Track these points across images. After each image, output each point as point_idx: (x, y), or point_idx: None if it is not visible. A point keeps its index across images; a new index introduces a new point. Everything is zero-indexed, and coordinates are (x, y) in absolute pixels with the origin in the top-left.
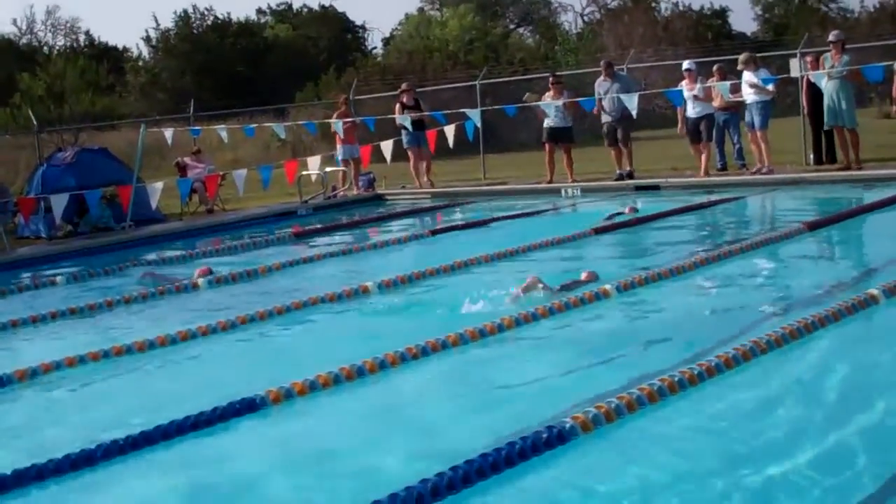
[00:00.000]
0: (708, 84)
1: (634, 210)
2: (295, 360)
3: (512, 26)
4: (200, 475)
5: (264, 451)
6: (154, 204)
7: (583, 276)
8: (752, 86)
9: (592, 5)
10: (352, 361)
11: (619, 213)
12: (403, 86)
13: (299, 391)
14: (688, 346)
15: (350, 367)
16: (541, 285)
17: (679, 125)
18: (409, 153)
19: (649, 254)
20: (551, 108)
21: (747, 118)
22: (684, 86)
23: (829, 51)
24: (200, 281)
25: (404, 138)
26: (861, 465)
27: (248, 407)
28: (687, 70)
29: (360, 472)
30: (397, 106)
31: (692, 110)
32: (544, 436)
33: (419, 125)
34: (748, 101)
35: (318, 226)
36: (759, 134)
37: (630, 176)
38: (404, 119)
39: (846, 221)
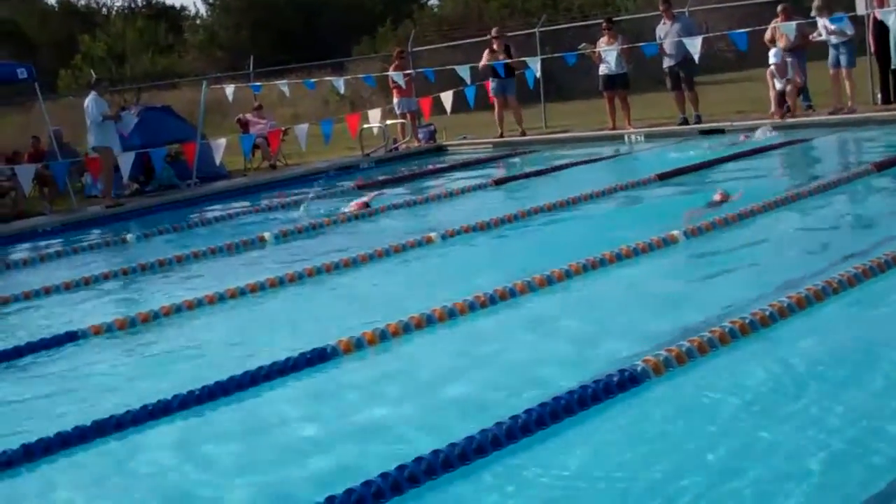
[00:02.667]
0: (772, 25)
1: (726, 197)
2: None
3: None
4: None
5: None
6: (218, 160)
7: (717, 197)
8: (832, 32)
9: None
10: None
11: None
12: (493, 32)
13: (369, 340)
14: (762, 286)
15: (420, 315)
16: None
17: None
18: (495, 101)
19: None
20: (609, 54)
21: (831, 58)
22: (775, 72)
23: None
24: (267, 235)
25: (492, 85)
26: None
27: (319, 357)
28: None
29: (452, 404)
30: (486, 52)
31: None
32: (616, 378)
33: (507, 73)
34: (833, 42)
35: (380, 178)
36: (844, 72)
37: (698, 120)
38: (498, 64)
39: None
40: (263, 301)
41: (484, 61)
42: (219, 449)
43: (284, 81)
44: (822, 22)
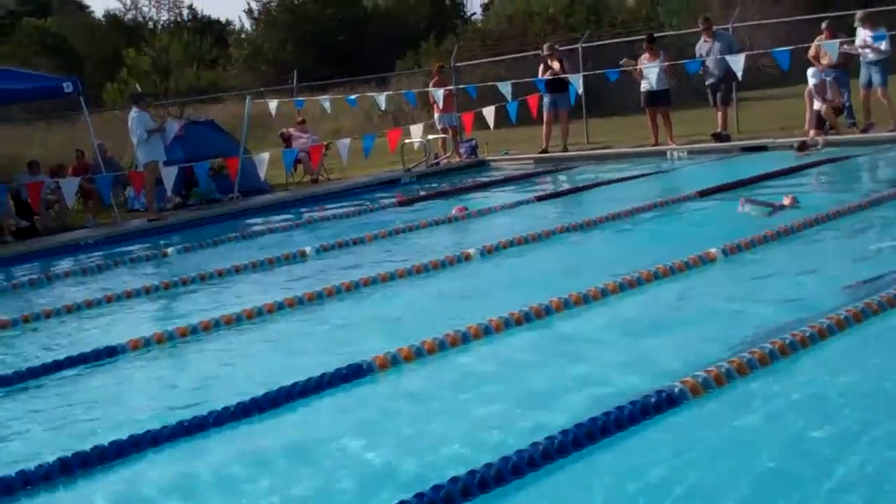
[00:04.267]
0: (816, 42)
1: (795, 202)
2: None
3: None
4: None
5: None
6: (262, 175)
7: (785, 201)
8: (866, 45)
9: None
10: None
11: (779, 206)
12: (545, 48)
13: (405, 357)
14: (789, 311)
15: (454, 333)
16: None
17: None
18: (546, 116)
19: (747, 218)
20: (651, 70)
21: (863, 77)
22: (814, 91)
23: None
24: (308, 249)
25: (545, 99)
26: None
27: (354, 373)
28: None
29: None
30: (541, 67)
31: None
32: (653, 399)
33: (559, 87)
34: (864, 60)
35: (422, 193)
36: (880, 91)
37: (727, 138)
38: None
39: None
40: (301, 315)
41: (541, 75)
42: (255, 467)
43: (327, 97)
44: (864, 34)
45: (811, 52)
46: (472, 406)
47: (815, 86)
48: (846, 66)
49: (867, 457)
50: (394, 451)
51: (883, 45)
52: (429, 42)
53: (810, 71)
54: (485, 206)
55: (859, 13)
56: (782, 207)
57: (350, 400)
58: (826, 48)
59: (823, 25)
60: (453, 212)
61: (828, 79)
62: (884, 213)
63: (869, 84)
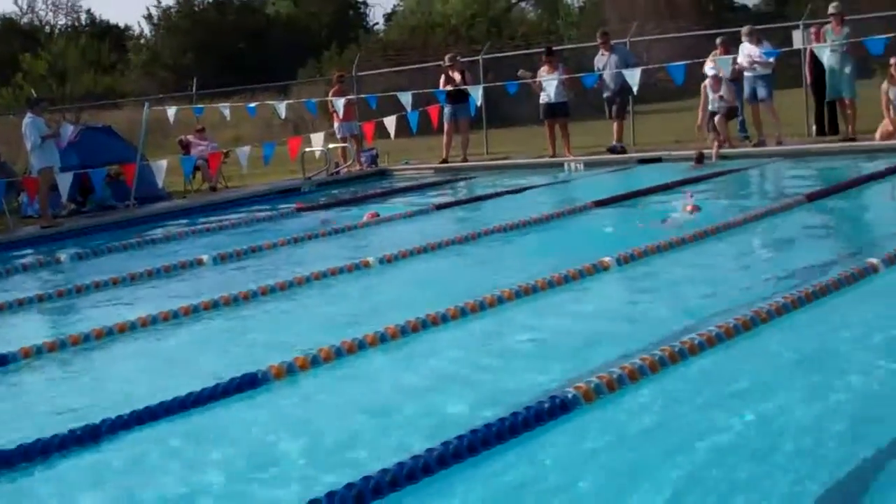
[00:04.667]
0: (711, 57)
1: (697, 209)
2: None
3: (514, 0)
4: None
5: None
6: (160, 182)
7: (688, 209)
8: (754, 61)
9: None
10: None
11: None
12: (447, 59)
13: (301, 365)
14: (683, 316)
15: (352, 341)
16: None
17: (698, 120)
18: (446, 126)
19: (642, 228)
20: (549, 83)
21: (747, 91)
22: (710, 88)
23: (829, 23)
24: (205, 258)
25: (445, 110)
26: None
27: (249, 382)
28: (711, 76)
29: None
30: (442, 78)
31: (716, 105)
32: (546, 405)
33: (459, 98)
34: (748, 75)
35: (322, 201)
36: (764, 105)
37: (623, 150)
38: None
39: (848, 192)
40: (198, 324)
41: (442, 86)
42: (149, 476)
43: (227, 104)
44: (750, 49)
45: (705, 68)
46: (370, 414)
47: (711, 80)
48: (739, 81)
49: (752, 464)
50: (290, 459)
51: (771, 60)
52: (331, 51)
53: (708, 65)
54: (384, 214)
55: (745, 28)
56: (679, 216)
57: (245, 409)
58: (720, 63)
59: (718, 41)
60: (365, 217)
61: (725, 76)
62: (771, 224)
63: (754, 98)
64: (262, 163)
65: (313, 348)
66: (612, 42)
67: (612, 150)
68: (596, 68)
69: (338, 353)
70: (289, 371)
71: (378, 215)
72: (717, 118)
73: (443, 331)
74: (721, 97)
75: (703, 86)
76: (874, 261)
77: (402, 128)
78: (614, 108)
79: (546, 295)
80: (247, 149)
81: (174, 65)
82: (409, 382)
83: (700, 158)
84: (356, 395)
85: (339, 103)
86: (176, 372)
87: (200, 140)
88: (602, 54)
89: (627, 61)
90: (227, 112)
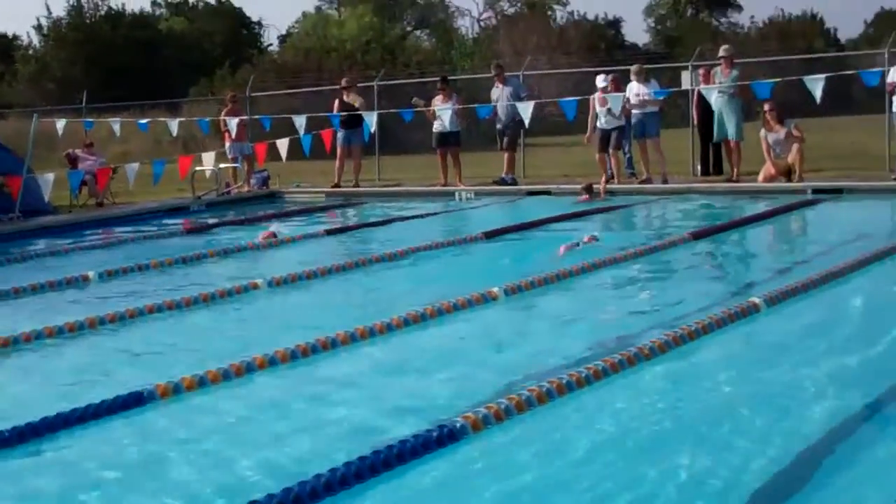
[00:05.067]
0: (602, 95)
1: (595, 239)
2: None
3: (409, 28)
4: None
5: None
6: (47, 196)
7: (585, 238)
8: (642, 100)
9: (489, 11)
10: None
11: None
12: (344, 82)
13: (187, 386)
14: (565, 352)
15: (240, 363)
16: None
17: (588, 133)
18: (339, 150)
19: (532, 260)
20: (444, 112)
21: (635, 128)
22: (598, 101)
23: (719, 64)
24: (91, 274)
25: (339, 134)
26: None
27: (135, 401)
28: (602, 87)
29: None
30: (336, 102)
31: (604, 123)
32: (435, 434)
33: (353, 123)
34: (637, 112)
35: (210, 221)
36: (652, 142)
37: (513, 182)
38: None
39: (731, 231)
40: (81, 341)
41: (335, 110)
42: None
43: (117, 119)
44: (637, 88)
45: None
46: (257, 436)
47: (602, 91)
48: (628, 118)
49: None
50: (169, 479)
51: (660, 99)
52: (223, 70)
53: (599, 77)
54: (275, 237)
55: (635, 67)
56: (577, 245)
57: (129, 428)
58: (609, 100)
59: (609, 78)
60: (260, 237)
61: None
62: (656, 260)
63: (642, 135)
64: (151, 180)
65: (200, 369)
66: (506, 75)
67: (500, 182)
68: (492, 100)
69: (225, 376)
70: (175, 391)
71: (275, 235)
72: (611, 150)
73: (332, 356)
74: (609, 110)
75: (591, 99)
76: (756, 300)
77: (295, 150)
78: (505, 139)
79: (435, 323)
80: (135, 165)
81: (63, 77)
82: (296, 406)
83: (589, 189)
84: (243, 418)
85: (232, 123)
86: (60, 389)
87: (88, 155)
88: (497, 86)
89: (520, 94)
90: (117, 127)
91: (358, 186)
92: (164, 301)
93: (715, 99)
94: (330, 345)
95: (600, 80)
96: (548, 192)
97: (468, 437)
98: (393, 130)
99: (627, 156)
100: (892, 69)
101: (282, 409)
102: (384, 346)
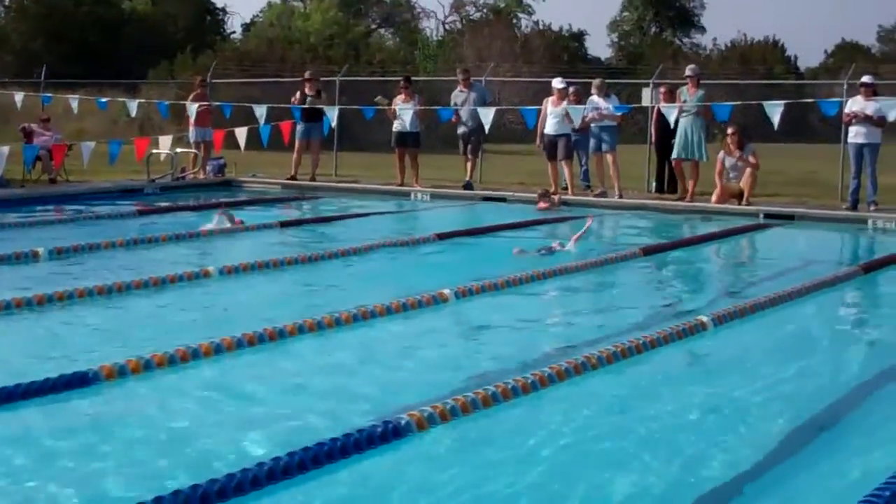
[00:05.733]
0: (562, 106)
1: (562, 246)
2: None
3: (374, 26)
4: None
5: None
6: (0, 169)
7: (554, 244)
8: (601, 113)
9: (455, 14)
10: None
11: (548, 248)
12: (306, 74)
13: (133, 368)
14: (509, 357)
15: (185, 349)
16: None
17: (537, 139)
18: (298, 143)
19: (483, 264)
20: (405, 112)
21: (593, 142)
22: (551, 102)
23: (682, 83)
24: (41, 251)
25: (298, 127)
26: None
27: (79, 381)
28: (558, 88)
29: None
30: (297, 94)
31: (551, 127)
32: (379, 430)
33: (314, 117)
34: (594, 126)
35: (163, 205)
36: (609, 157)
37: (470, 186)
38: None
39: (682, 249)
40: (27, 318)
41: (296, 102)
42: None
43: (76, 96)
44: (598, 101)
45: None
46: (193, 425)
47: (555, 94)
48: (585, 132)
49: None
50: (112, 460)
51: (619, 114)
52: (185, 54)
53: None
54: (227, 225)
55: (596, 81)
56: (552, 251)
57: (69, 407)
58: (570, 112)
59: (571, 90)
60: (221, 218)
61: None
62: (606, 273)
63: (599, 149)
64: (106, 160)
65: (146, 353)
66: (472, 79)
67: (466, 187)
68: (453, 103)
69: (171, 360)
70: (120, 373)
71: (242, 222)
72: (561, 160)
73: (279, 346)
74: (558, 116)
75: (544, 102)
76: (703, 318)
77: (253, 140)
78: (469, 145)
79: (384, 321)
80: (91, 144)
81: (22, 49)
82: (240, 395)
83: (546, 195)
84: (184, 403)
85: (193, 107)
86: (6, 366)
87: (44, 130)
88: (461, 90)
89: (485, 99)
90: (75, 104)
91: (314, 180)
92: (113, 283)
93: (681, 118)
94: (278, 335)
95: (557, 82)
96: (503, 199)
97: (412, 434)
98: (353, 127)
99: (584, 168)
100: (850, 100)
101: (229, 395)
102: (329, 341)
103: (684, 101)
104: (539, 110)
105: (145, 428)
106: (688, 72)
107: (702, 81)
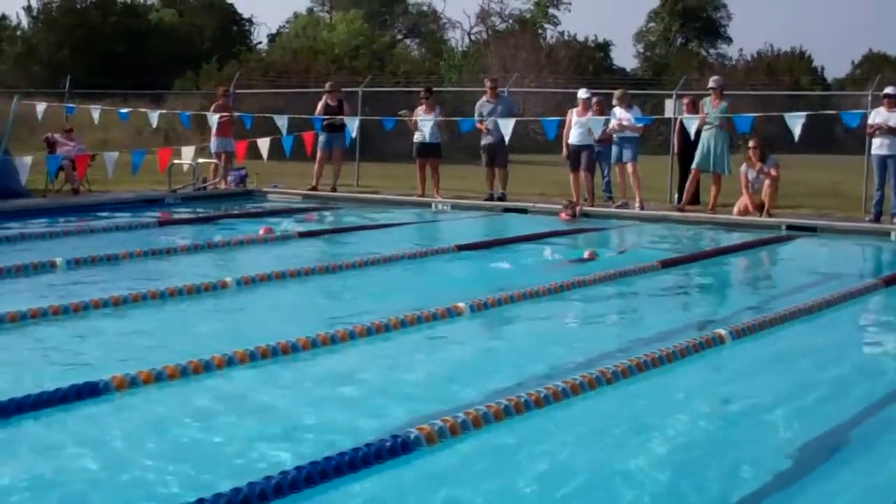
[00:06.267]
0: (587, 116)
1: (594, 256)
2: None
3: (399, 37)
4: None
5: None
6: (24, 179)
7: (585, 254)
8: (622, 124)
9: (480, 25)
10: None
11: (580, 259)
12: (328, 85)
13: (144, 379)
14: (524, 371)
15: (198, 361)
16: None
17: (563, 150)
18: (320, 154)
19: (501, 276)
20: (425, 123)
21: (614, 152)
22: (576, 113)
23: (707, 94)
24: (58, 260)
25: (321, 137)
26: None
27: (90, 391)
28: (583, 99)
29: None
30: (320, 105)
31: (575, 138)
32: (388, 444)
33: (336, 128)
34: (616, 137)
35: (185, 216)
36: (629, 167)
37: (502, 199)
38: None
39: (702, 262)
40: (43, 328)
41: (319, 113)
42: None
43: (98, 107)
44: (620, 113)
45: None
46: (210, 435)
47: (581, 105)
48: (608, 143)
49: None
50: (128, 470)
51: (640, 125)
52: (210, 64)
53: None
54: (247, 235)
55: (617, 92)
56: (583, 260)
57: (82, 418)
58: (591, 123)
59: (594, 101)
60: (260, 232)
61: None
62: (625, 286)
63: (620, 160)
64: (129, 170)
65: (158, 364)
66: (499, 90)
67: (500, 199)
68: (477, 113)
69: (183, 372)
70: (132, 383)
71: (272, 231)
72: (582, 171)
73: (293, 360)
74: (582, 127)
75: (568, 113)
76: (721, 332)
77: (276, 150)
78: (496, 157)
79: (397, 334)
80: (115, 154)
81: (49, 60)
82: (259, 409)
83: (569, 205)
84: (199, 415)
85: (215, 118)
86: (19, 375)
87: (67, 140)
88: (488, 101)
89: (512, 111)
90: (96, 115)
91: (335, 191)
92: (129, 293)
93: (704, 130)
94: (290, 349)
95: (582, 93)
96: (524, 211)
97: (421, 448)
98: (374, 138)
99: (606, 179)
100: (873, 111)
101: (245, 409)
102: (345, 356)
103: (707, 113)
104: (562, 121)
105: (147, 439)
106: (711, 83)
107: (725, 93)
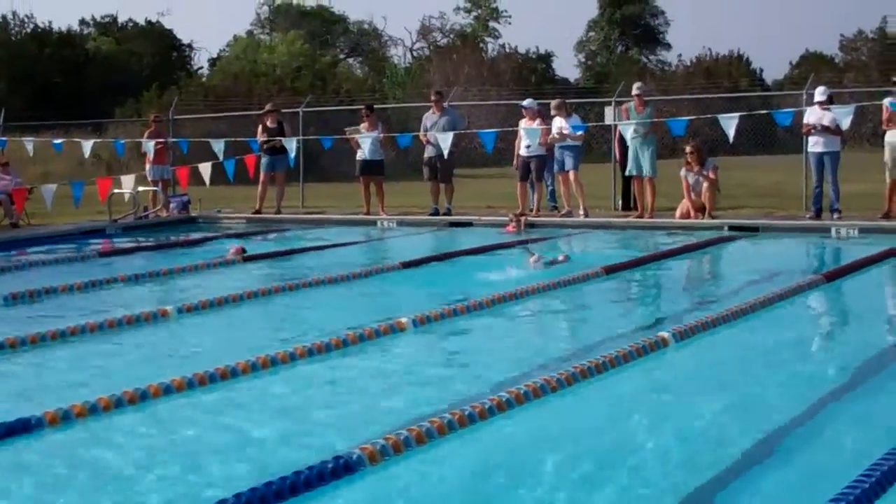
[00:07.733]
0: (525, 126)
1: (567, 258)
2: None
3: (342, 56)
4: None
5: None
6: None
7: (560, 257)
8: (561, 133)
9: (422, 41)
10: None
11: (553, 261)
12: (268, 107)
13: (77, 413)
14: (468, 384)
15: (133, 391)
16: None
17: (514, 161)
18: (262, 176)
19: (451, 289)
20: (365, 140)
21: (557, 163)
22: (523, 123)
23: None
24: None
25: (263, 160)
26: None
27: (22, 428)
28: (528, 108)
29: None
30: (259, 127)
31: (525, 149)
32: (330, 465)
33: (277, 150)
34: (558, 146)
35: (127, 245)
36: (571, 175)
37: (448, 213)
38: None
39: (645, 266)
40: None
41: (259, 136)
42: None
43: (31, 139)
44: (560, 122)
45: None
46: (139, 467)
47: (526, 116)
48: (551, 152)
49: None
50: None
51: (578, 133)
52: (150, 91)
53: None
54: (190, 263)
55: (554, 102)
56: (555, 262)
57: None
58: (529, 133)
59: (535, 106)
60: (230, 252)
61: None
62: (569, 293)
63: (562, 168)
64: (71, 202)
65: (94, 397)
66: (444, 104)
67: (447, 213)
68: (423, 126)
69: (118, 403)
70: (64, 418)
71: (244, 251)
72: (533, 181)
73: (233, 385)
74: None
75: (519, 123)
76: (664, 334)
77: (219, 175)
78: (439, 171)
79: (340, 354)
80: (52, 186)
81: None
82: (196, 437)
83: (514, 218)
84: (131, 448)
85: (150, 145)
86: None
87: (3, 174)
88: (433, 113)
89: (456, 125)
90: (30, 147)
91: (280, 213)
92: (67, 327)
93: (630, 136)
94: (230, 374)
95: (527, 103)
96: (470, 224)
97: (364, 468)
98: (319, 158)
99: (550, 188)
100: (808, 110)
101: (182, 438)
102: (285, 376)
103: (633, 120)
104: (499, 133)
105: (86, 473)
106: (634, 90)
107: (666, 98)
